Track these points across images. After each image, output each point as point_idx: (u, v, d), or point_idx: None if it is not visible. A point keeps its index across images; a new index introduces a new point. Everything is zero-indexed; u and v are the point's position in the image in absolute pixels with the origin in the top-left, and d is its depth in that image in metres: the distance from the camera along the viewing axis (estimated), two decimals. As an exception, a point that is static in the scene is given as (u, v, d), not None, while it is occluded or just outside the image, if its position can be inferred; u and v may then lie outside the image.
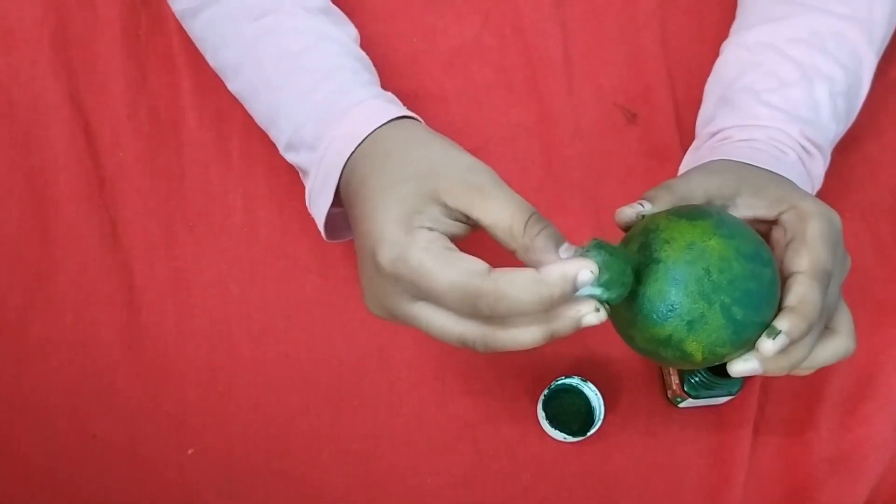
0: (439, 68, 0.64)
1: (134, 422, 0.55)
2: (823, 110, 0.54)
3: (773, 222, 0.45)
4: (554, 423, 0.56)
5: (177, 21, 0.63)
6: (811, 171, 0.53)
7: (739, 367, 0.41)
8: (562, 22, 0.67)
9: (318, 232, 0.60)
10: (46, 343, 0.56)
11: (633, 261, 0.40)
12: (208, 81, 0.62)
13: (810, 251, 0.42)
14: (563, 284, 0.37)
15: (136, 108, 0.61)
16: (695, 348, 0.40)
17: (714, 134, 0.56)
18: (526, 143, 0.63)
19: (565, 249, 0.39)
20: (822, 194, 0.63)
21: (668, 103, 0.65)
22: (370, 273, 0.41)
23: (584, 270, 0.37)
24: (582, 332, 0.57)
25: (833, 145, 0.57)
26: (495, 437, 0.56)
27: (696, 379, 0.54)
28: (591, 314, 0.38)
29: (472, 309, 0.37)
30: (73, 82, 0.61)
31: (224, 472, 0.55)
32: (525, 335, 0.39)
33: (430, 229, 0.40)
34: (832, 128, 0.55)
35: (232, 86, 0.55)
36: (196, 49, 0.63)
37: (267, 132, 0.54)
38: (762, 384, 0.58)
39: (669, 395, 0.58)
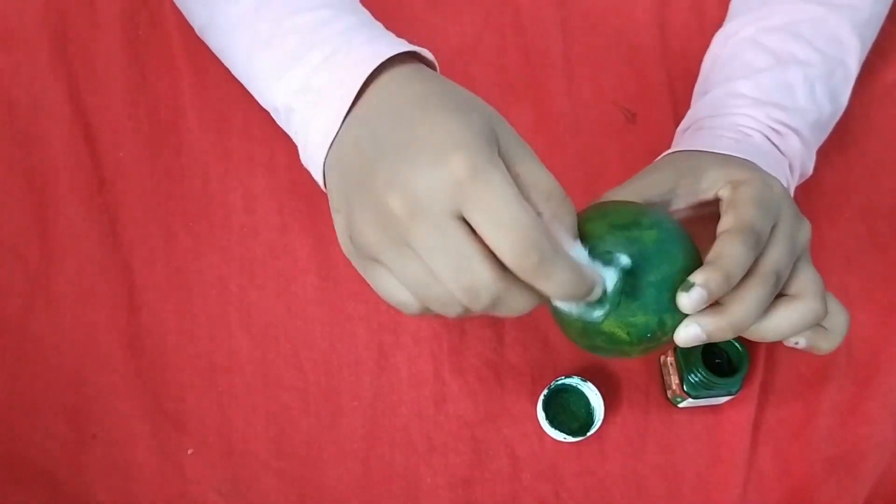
0: (439, 68, 0.64)
1: (134, 422, 0.55)
2: (798, 94, 0.55)
3: (717, 203, 0.46)
4: (554, 422, 0.56)
5: (177, 21, 0.63)
6: (786, 150, 0.53)
7: (681, 334, 0.41)
8: (562, 22, 0.67)
9: (318, 232, 0.60)
10: (46, 343, 0.56)
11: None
12: (208, 81, 0.62)
13: (735, 211, 0.42)
14: (590, 286, 0.38)
15: (136, 108, 0.61)
16: (612, 326, 0.41)
17: (687, 128, 0.57)
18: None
19: (579, 248, 0.39)
20: (823, 194, 0.63)
21: (667, 103, 0.65)
22: (425, 168, 0.36)
23: (598, 288, 0.38)
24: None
25: (822, 128, 0.57)
26: (495, 437, 0.57)
27: (696, 379, 0.54)
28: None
29: (521, 253, 0.35)
30: (73, 82, 0.61)
31: (224, 472, 0.55)
32: (525, 302, 0.38)
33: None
34: (811, 111, 0.55)
35: (213, 42, 0.55)
36: (196, 49, 0.63)
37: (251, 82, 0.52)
38: (762, 384, 0.58)
39: (669, 395, 0.58)
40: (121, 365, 0.56)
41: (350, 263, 0.58)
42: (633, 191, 0.47)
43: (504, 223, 0.35)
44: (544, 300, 0.38)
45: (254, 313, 0.58)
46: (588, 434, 0.55)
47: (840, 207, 0.64)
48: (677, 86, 0.66)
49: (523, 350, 0.58)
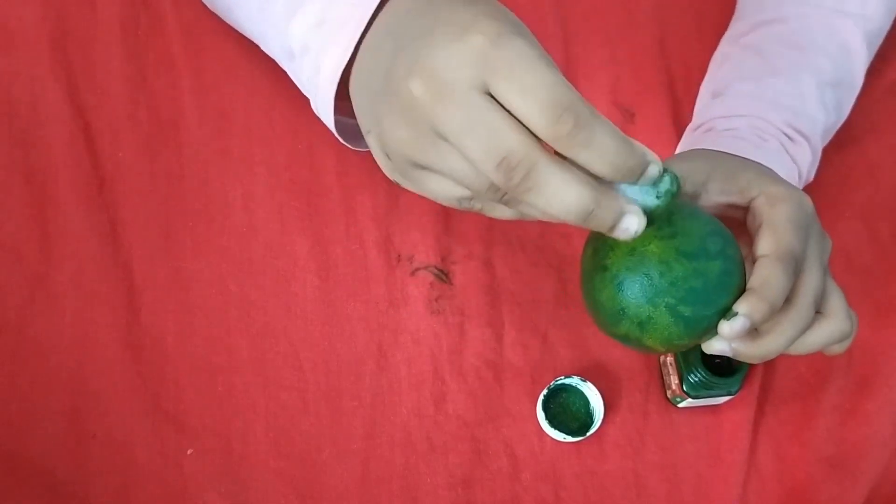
0: None
1: (134, 422, 0.55)
2: (809, 100, 0.55)
3: (744, 208, 0.46)
4: (553, 422, 0.56)
5: (177, 21, 0.63)
6: (796, 158, 0.54)
7: (715, 346, 0.42)
8: (562, 21, 0.67)
9: (318, 232, 0.60)
10: (46, 343, 0.56)
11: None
12: (208, 81, 0.62)
13: (775, 234, 0.42)
14: (640, 158, 0.33)
15: (136, 108, 0.61)
16: (653, 343, 0.42)
17: (699, 126, 0.56)
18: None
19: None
20: (823, 194, 0.63)
21: (666, 102, 0.65)
22: (444, 46, 0.33)
23: (655, 165, 0.34)
24: (582, 333, 0.59)
25: (826, 136, 0.57)
26: (495, 436, 0.57)
27: (696, 379, 0.54)
28: (633, 216, 0.35)
29: (553, 119, 0.32)
30: (73, 82, 0.61)
31: (224, 472, 0.55)
32: (572, 188, 0.33)
33: None
34: (820, 117, 0.55)
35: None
36: (196, 49, 0.63)
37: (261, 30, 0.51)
38: (762, 384, 0.58)
39: (669, 395, 0.58)
40: (121, 365, 0.56)
41: (350, 263, 0.59)
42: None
43: (532, 88, 0.32)
44: (592, 192, 0.33)
45: (253, 313, 0.58)
46: (588, 434, 0.55)
47: (840, 207, 0.64)
48: (676, 86, 0.66)
49: (523, 350, 0.58)
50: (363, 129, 0.41)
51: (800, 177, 0.54)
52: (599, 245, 0.43)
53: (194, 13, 0.63)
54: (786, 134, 0.54)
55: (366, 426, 0.56)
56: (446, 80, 0.33)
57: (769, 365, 0.59)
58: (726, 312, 0.41)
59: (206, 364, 0.56)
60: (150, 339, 0.57)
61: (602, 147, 0.32)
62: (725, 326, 0.40)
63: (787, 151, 0.53)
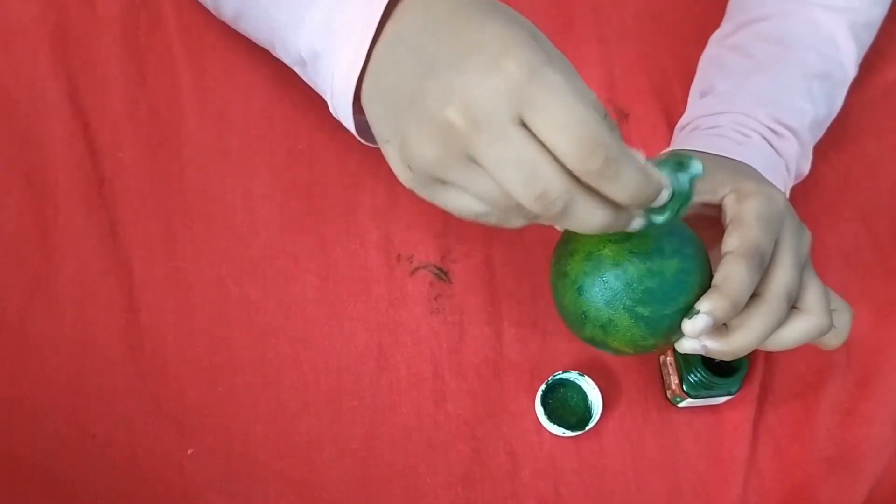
0: None
1: (134, 422, 0.55)
2: (794, 92, 0.55)
3: (720, 207, 0.46)
4: (552, 417, 0.56)
5: (177, 21, 0.63)
6: (783, 152, 0.54)
7: (687, 346, 0.42)
8: (557, 19, 0.67)
9: (318, 232, 0.60)
10: (46, 343, 0.56)
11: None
12: (208, 81, 0.62)
13: (739, 230, 0.42)
14: (656, 187, 0.35)
15: (136, 108, 0.61)
16: (619, 345, 0.43)
17: (685, 126, 0.57)
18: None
19: (636, 154, 0.37)
20: (823, 194, 0.63)
21: (660, 102, 0.65)
22: (479, 73, 0.34)
23: (666, 190, 0.36)
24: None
25: (816, 128, 0.57)
26: (494, 434, 0.57)
27: (696, 379, 0.54)
28: (639, 218, 0.37)
29: (585, 155, 0.33)
30: (73, 82, 0.61)
31: (224, 472, 0.55)
32: (598, 214, 0.36)
33: None
34: (808, 111, 0.55)
35: (228, 6, 0.54)
36: (196, 49, 0.63)
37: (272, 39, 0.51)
38: (762, 384, 0.58)
39: (668, 395, 0.58)
40: (121, 365, 0.56)
41: (350, 263, 0.59)
42: None
43: (567, 124, 0.33)
44: (615, 217, 0.36)
45: (254, 313, 0.58)
46: (586, 428, 0.55)
47: (839, 207, 0.64)
48: (670, 86, 0.66)
49: (522, 347, 0.58)
50: (379, 138, 0.41)
51: (788, 170, 0.54)
52: (561, 252, 0.44)
53: (194, 13, 0.63)
54: (770, 128, 0.54)
55: (366, 426, 0.56)
56: (483, 110, 0.34)
57: (769, 364, 0.59)
58: (688, 311, 0.41)
59: (206, 364, 0.57)
60: (150, 339, 0.57)
61: (627, 182, 0.34)
62: (688, 325, 0.41)
63: (772, 145, 0.53)
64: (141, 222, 0.59)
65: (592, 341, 0.44)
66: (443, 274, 0.60)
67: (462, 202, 0.38)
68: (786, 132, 0.54)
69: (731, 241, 0.42)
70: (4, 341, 0.56)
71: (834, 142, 0.62)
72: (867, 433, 0.57)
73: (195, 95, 0.62)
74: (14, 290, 0.57)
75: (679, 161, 0.38)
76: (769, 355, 0.59)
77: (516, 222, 0.38)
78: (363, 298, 0.59)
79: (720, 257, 0.43)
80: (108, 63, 0.62)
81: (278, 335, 0.57)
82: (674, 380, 0.56)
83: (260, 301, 0.58)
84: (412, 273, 0.59)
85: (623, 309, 0.41)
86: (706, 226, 0.47)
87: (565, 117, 0.33)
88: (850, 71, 0.58)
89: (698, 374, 0.54)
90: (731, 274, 0.41)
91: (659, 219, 0.38)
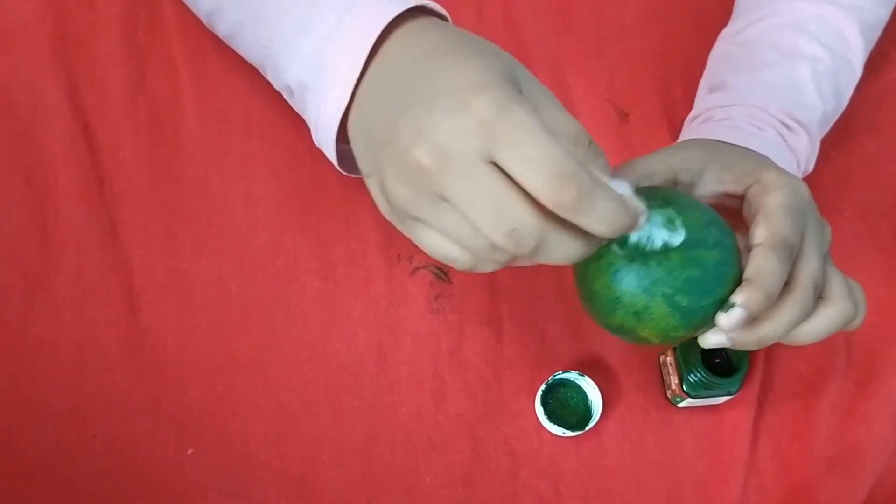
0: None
1: (134, 422, 0.55)
2: (807, 89, 0.55)
3: (740, 197, 0.45)
4: (552, 417, 0.56)
5: (177, 21, 0.63)
6: (794, 147, 0.54)
7: (711, 339, 0.42)
8: (557, 20, 0.67)
9: (318, 232, 0.60)
10: (46, 343, 0.56)
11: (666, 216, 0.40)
12: (208, 81, 0.62)
13: (769, 222, 0.42)
14: (633, 217, 0.35)
15: (136, 108, 0.61)
16: (649, 334, 0.41)
17: (696, 117, 0.57)
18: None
19: (619, 181, 0.37)
20: (823, 194, 0.63)
21: (660, 102, 0.65)
22: (446, 113, 0.35)
23: (643, 217, 0.36)
24: (581, 329, 0.59)
25: (824, 124, 0.57)
26: (494, 434, 0.57)
27: (696, 379, 0.54)
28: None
29: (557, 189, 0.33)
30: (73, 82, 0.61)
31: (224, 472, 0.55)
32: (572, 245, 0.36)
33: None
34: (818, 107, 0.55)
35: (221, 26, 0.54)
36: (196, 49, 0.63)
37: (262, 62, 0.52)
38: (762, 384, 0.58)
39: (669, 395, 0.58)
40: (121, 365, 0.56)
41: (350, 263, 0.59)
42: (664, 163, 0.46)
43: (536, 159, 0.33)
44: (590, 245, 0.36)
45: (254, 313, 0.58)
46: (586, 428, 0.55)
47: (840, 206, 0.64)
48: (671, 86, 0.66)
49: (522, 347, 0.58)
50: (363, 172, 0.42)
51: (798, 166, 0.54)
52: None
53: (194, 13, 0.63)
54: (783, 123, 0.53)
55: (366, 426, 0.56)
56: (451, 150, 0.34)
57: (769, 364, 0.59)
58: (722, 304, 0.41)
59: (206, 364, 0.57)
60: (150, 339, 0.57)
61: (602, 213, 0.34)
62: (724, 318, 0.40)
63: (786, 141, 0.53)
64: (141, 222, 0.59)
65: (619, 329, 0.42)
66: (443, 274, 0.60)
67: (436, 242, 0.38)
68: (797, 127, 0.54)
69: (759, 233, 0.42)
70: (4, 341, 0.56)
71: (835, 141, 0.62)
72: (867, 433, 0.57)
73: (195, 95, 0.62)
74: (14, 290, 0.57)
75: (670, 217, 0.40)
76: (769, 355, 0.59)
77: (488, 267, 0.38)
78: (363, 298, 0.59)
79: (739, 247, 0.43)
80: (108, 63, 0.62)
81: (278, 335, 0.57)
82: (674, 380, 0.56)
83: (260, 301, 0.58)
84: (412, 273, 0.59)
85: (661, 297, 0.40)
86: (726, 216, 0.47)
87: (534, 152, 0.33)
88: (858, 69, 0.58)
89: (698, 374, 0.54)
90: (764, 266, 0.40)
91: (619, 251, 0.39)
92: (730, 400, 0.57)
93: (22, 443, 0.54)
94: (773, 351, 0.59)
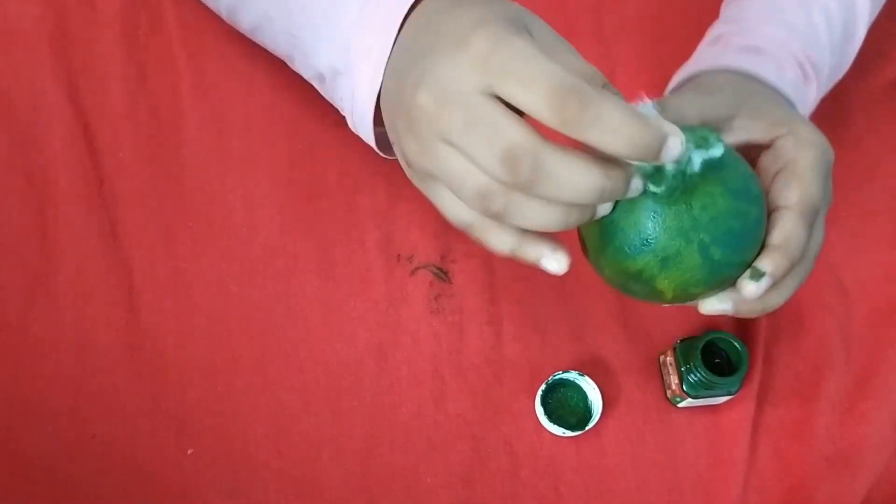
0: None
1: (133, 422, 0.55)
2: (821, 35, 0.53)
3: (765, 147, 0.43)
4: (552, 417, 0.56)
5: (177, 21, 0.63)
6: (806, 97, 0.52)
7: (712, 306, 0.39)
8: (557, 20, 0.67)
9: (318, 232, 0.60)
10: (46, 343, 0.56)
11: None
12: (208, 81, 0.62)
13: (802, 185, 0.40)
14: (654, 135, 0.31)
15: (136, 108, 0.61)
16: (666, 286, 0.38)
17: (716, 41, 0.53)
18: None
19: (643, 104, 0.34)
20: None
21: None
22: (445, 56, 0.34)
23: (676, 139, 0.32)
24: (582, 330, 0.59)
25: (829, 81, 0.55)
26: (494, 434, 0.57)
27: (696, 379, 0.54)
28: (638, 181, 0.34)
29: (558, 105, 0.31)
30: (73, 82, 0.61)
31: (224, 472, 0.55)
32: (580, 172, 0.33)
33: None
34: (827, 57, 0.53)
35: (245, 19, 0.54)
36: (196, 49, 0.63)
37: (292, 51, 0.51)
38: (761, 383, 0.58)
39: (668, 395, 0.58)
40: (121, 365, 0.56)
41: (350, 263, 0.59)
42: (695, 107, 0.43)
43: (534, 78, 0.32)
44: (607, 176, 0.33)
45: (254, 313, 0.58)
46: (586, 428, 0.55)
47: (838, 206, 0.64)
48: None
49: (522, 347, 0.58)
50: (392, 141, 0.42)
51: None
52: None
53: (194, 13, 0.63)
54: (801, 66, 0.50)
55: (366, 426, 0.56)
56: (451, 88, 0.33)
57: (768, 364, 0.59)
58: (746, 266, 0.38)
59: (206, 364, 0.57)
60: (150, 339, 0.57)
61: (611, 123, 0.31)
62: (752, 286, 0.38)
63: (804, 85, 0.50)
64: (141, 222, 0.59)
65: (636, 276, 0.38)
66: (443, 274, 0.60)
67: (446, 201, 0.37)
68: (811, 73, 0.51)
69: (790, 196, 0.40)
70: (4, 341, 0.56)
71: (834, 140, 0.61)
72: (866, 432, 0.57)
73: (195, 95, 0.62)
74: (14, 290, 0.57)
75: (703, 135, 0.35)
76: (768, 354, 0.59)
77: (496, 238, 0.37)
78: (363, 298, 0.59)
79: None
80: (108, 63, 0.62)
81: (278, 335, 0.57)
82: (674, 380, 0.56)
83: (260, 301, 0.58)
84: (412, 273, 0.59)
85: (698, 245, 0.36)
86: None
87: (530, 71, 0.32)
88: (861, 31, 0.56)
89: (698, 374, 0.54)
90: (794, 233, 0.39)
91: (655, 189, 0.34)
92: (730, 400, 0.57)
93: (22, 443, 0.54)
94: (772, 351, 0.59)
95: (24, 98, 0.61)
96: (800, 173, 0.40)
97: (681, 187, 0.35)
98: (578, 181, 0.33)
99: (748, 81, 0.48)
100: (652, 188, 0.35)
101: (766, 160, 0.43)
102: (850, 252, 0.62)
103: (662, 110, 0.41)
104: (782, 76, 0.49)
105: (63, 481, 0.54)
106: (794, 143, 0.42)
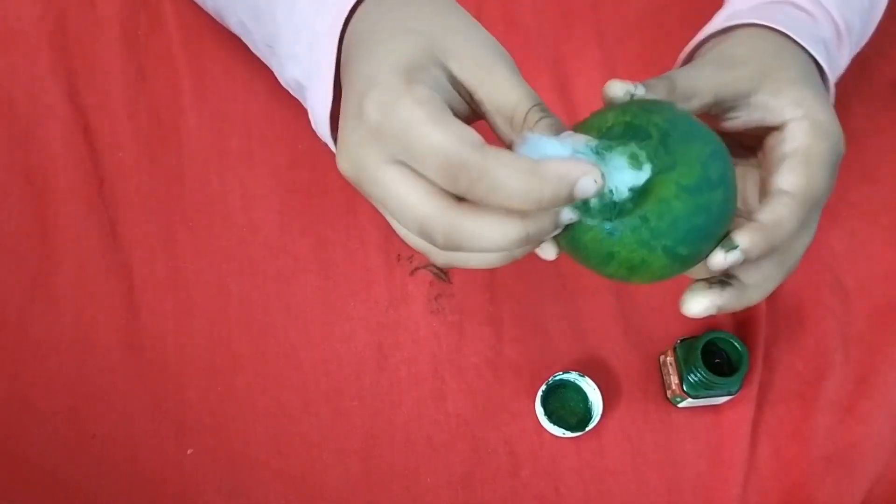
0: None
1: (133, 422, 0.55)
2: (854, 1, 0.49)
3: (775, 128, 0.41)
4: (552, 418, 0.56)
5: (177, 21, 0.63)
6: (839, 61, 0.49)
7: (692, 309, 0.38)
8: (557, 20, 0.67)
9: (318, 232, 0.60)
10: (46, 343, 0.56)
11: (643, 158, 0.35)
12: (208, 81, 0.62)
13: (809, 175, 0.38)
14: (557, 185, 0.32)
15: (136, 108, 0.61)
16: (640, 281, 0.37)
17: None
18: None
19: (567, 135, 0.34)
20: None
21: None
22: (351, 122, 0.36)
23: (587, 178, 0.32)
24: (580, 329, 0.59)
25: (855, 47, 0.52)
26: (494, 434, 0.57)
27: (696, 379, 0.54)
28: (567, 210, 0.34)
29: (451, 180, 0.32)
30: (73, 82, 0.61)
31: (224, 472, 0.55)
32: (496, 230, 0.33)
33: (430, 89, 0.35)
34: (857, 21, 0.50)
35: (230, 22, 0.55)
36: (196, 49, 0.63)
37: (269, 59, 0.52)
38: (761, 383, 0.58)
39: (668, 395, 0.58)
40: (121, 365, 0.56)
41: (350, 263, 0.59)
42: (710, 84, 0.41)
43: (424, 154, 0.33)
44: (525, 226, 0.33)
45: (254, 313, 0.58)
46: (586, 429, 0.55)
47: (838, 205, 0.64)
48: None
49: (523, 347, 0.58)
50: None
51: (834, 80, 0.48)
52: None
53: (194, 13, 0.63)
54: (836, 27, 0.47)
55: (366, 426, 0.56)
56: (360, 161, 0.35)
57: (768, 364, 0.59)
58: (721, 240, 0.36)
59: (206, 364, 0.57)
60: (150, 339, 0.57)
61: (507, 188, 0.32)
62: (720, 257, 0.36)
63: (831, 53, 0.47)
64: (141, 222, 0.59)
65: (610, 278, 0.38)
66: (443, 274, 0.60)
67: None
68: (845, 36, 0.47)
69: (796, 182, 0.38)
70: (4, 341, 0.56)
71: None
72: (866, 432, 0.57)
73: (195, 95, 0.62)
74: (14, 290, 0.57)
75: (633, 154, 0.34)
76: (768, 354, 0.59)
77: (439, 258, 0.37)
78: (363, 298, 0.59)
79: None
80: (108, 63, 0.62)
81: (278, 335, 0.57)
82: (674, 380, 0.56)
83: (260, 301, 0.58)
84: (412, 273, 0.59)
85: (662, 250, 0.35)
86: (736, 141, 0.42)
87: (420, 148, 0.33)
88: (881, 8, 0.53)
89: (698, 374, 0.54)
90: (785, 219, 0.37)
91: (590, 221, 0.34)
92: (729, 400, 0.57)
93: (22, 443, 0.54)
94: (772, 351, 0.59)
95: (24, 98, 0.61)
96: (809, 162, 0.39)
97: (618, 209, 0.35)
98: (498, 238, 0.33)
99: (777, 50, 0.44)
100: (587, 220, 0.35)
101: (773, 139, 0.42)
102: (850, 252, 0.62)
103: (668, 87, 0.40)
104: (816, 34, 0.45)
105: (63, 481, 0.54)
106: (809, 129, 0.40)
